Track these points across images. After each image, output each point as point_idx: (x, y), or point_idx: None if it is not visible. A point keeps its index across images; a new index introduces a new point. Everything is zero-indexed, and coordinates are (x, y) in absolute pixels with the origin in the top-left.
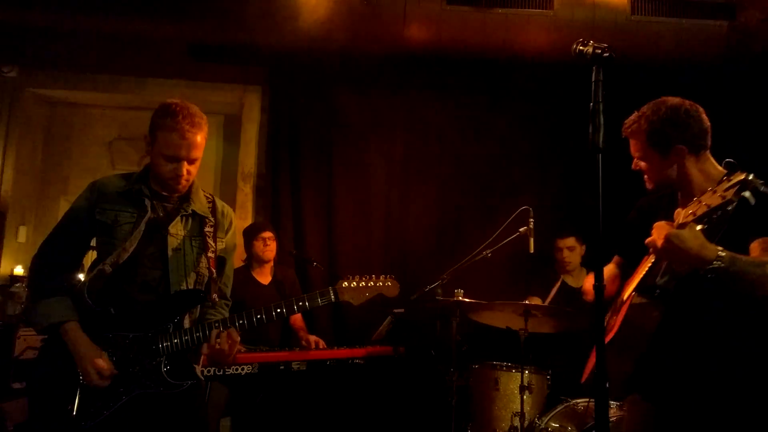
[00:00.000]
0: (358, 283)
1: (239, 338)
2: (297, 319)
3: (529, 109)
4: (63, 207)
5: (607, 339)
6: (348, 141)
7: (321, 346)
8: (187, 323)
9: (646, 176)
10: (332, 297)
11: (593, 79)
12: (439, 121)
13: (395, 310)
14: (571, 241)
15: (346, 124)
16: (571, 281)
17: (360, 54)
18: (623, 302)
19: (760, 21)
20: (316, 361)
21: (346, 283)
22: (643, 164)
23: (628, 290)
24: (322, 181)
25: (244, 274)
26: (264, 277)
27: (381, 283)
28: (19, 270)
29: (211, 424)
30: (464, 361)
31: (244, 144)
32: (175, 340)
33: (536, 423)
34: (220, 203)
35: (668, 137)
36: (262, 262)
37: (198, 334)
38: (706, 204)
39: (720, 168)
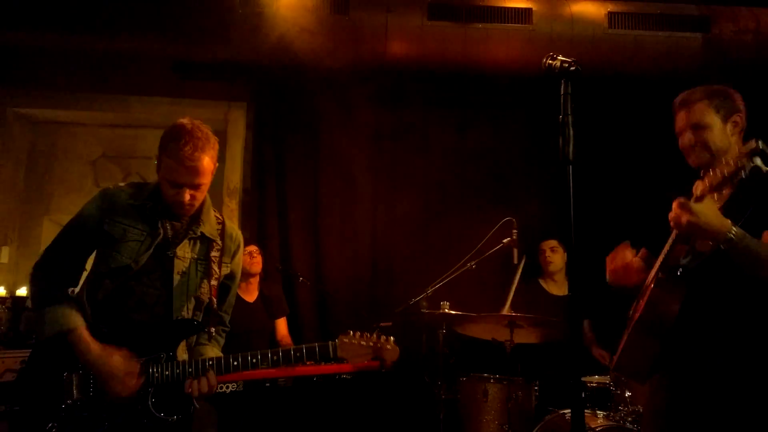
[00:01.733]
0: (358, 342)
1: (216, 383)
2: (284, 335)
3: (511, 121)
4: (46, 226)
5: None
6: (333, 155)
7: (308, 362)
8: (181, 353)
9: (694, 151)
10: (331, 353)
11: (562, 92)
12: (424, 134)
13: (382, 324)
14: (553, 242)
15: (331, 139)
16: (555, 289)
17: (344, 69)
18: (648, 286)
19: (732, 33)
20: (302, 377)
21: (347, 338)
22: (694, 137)
23: (652, 274)
24: (308, 195)
25: None
26: (250, 294)
27: (380, 345)
28: (0, 291)
29: None
30: (452, 373)
31: (230, 160)
32: (166, 372)
33: None
34: (230, 226)
35: (732, 102)
36: (248, 276)
37: (191, 370)
38: (720, 172)
39: None
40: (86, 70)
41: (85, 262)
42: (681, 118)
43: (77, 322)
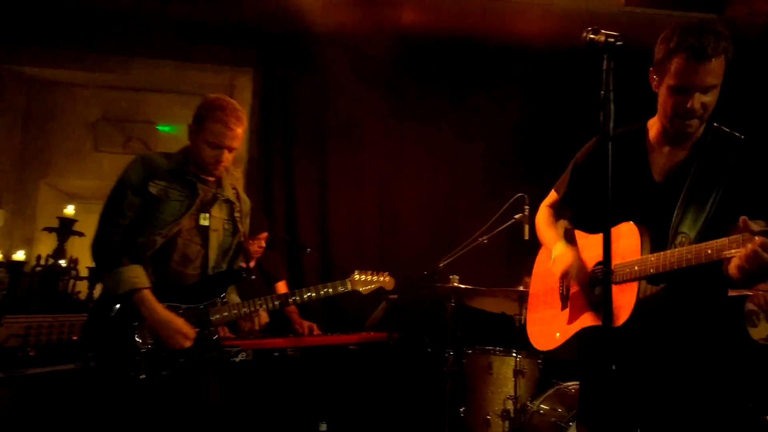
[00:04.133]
0: (367, 277)
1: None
2: None
3: (524, 96)
4: (43, 190)
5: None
6: (342, 125)
7: (315, 333)
8: (232, 298)
9: (694, 118)
10: (349, 286)
11: (604, 68)
12: (434, 105)
13: (389, 296)
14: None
15: (339, 108)
16: None
17: (355, 36)
18: (620, 282)
19: (746, 15)
20: (310, 347)
21: (357, 276)
22: (708, 98)
23: (614, 262)
24: (315, 165)
25: None
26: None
27: (382, 279)
28: None
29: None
30: (458, 346)
31: None
32: (225, 313)
33: (528, 406)
34: (240, 191)
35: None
36: (249, 258)
37: (245, 309)
38: None
39: None
40: (87, 29)
41: (138, 223)
42: (694, 72)
43: (146, 282)
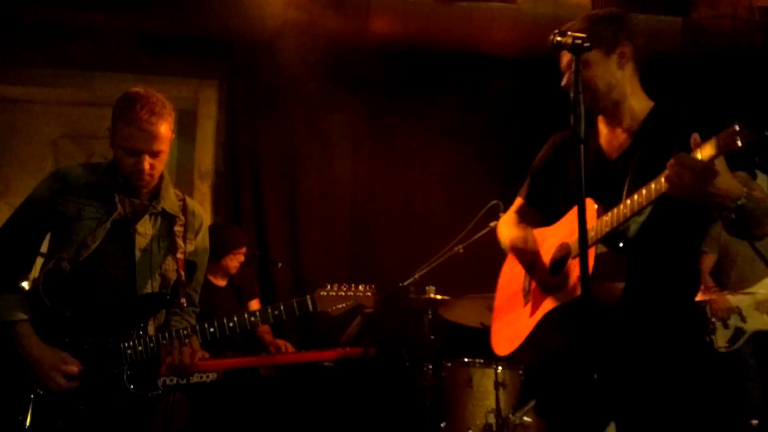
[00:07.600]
0: (336, 293)
1: (200, 350)
2: None
3: (495, 102)
4: (3, 211)
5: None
6: (310, 136)
7: (289, 350)
8: (151, 329)
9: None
10: (309, 306)
11: (573, 70)
12: (404, 114)
13: (365, 310)
14: None
15: (307, 118)
16: None
17: (323, 47)
18: (573, 257)
19: (711, 17)
20: (285, 365)
21: (324, 291)
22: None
23: (572, 239)
24: (285, 178)
25: None
26: (220, 280)
27: (360, 294)
28: None
29: None
30: (437, 359)
31: (201, 141)
32: (139, 348)
33: (510, 418)
34: (191, 203)
35: (614, 31)
36: (227, 274)
37: (164, 342)
38: (742, 141)
39: (647, 98)
40: (45, 44)
41: (38, 246)
42: (562, 57)
43: (17, 315)
